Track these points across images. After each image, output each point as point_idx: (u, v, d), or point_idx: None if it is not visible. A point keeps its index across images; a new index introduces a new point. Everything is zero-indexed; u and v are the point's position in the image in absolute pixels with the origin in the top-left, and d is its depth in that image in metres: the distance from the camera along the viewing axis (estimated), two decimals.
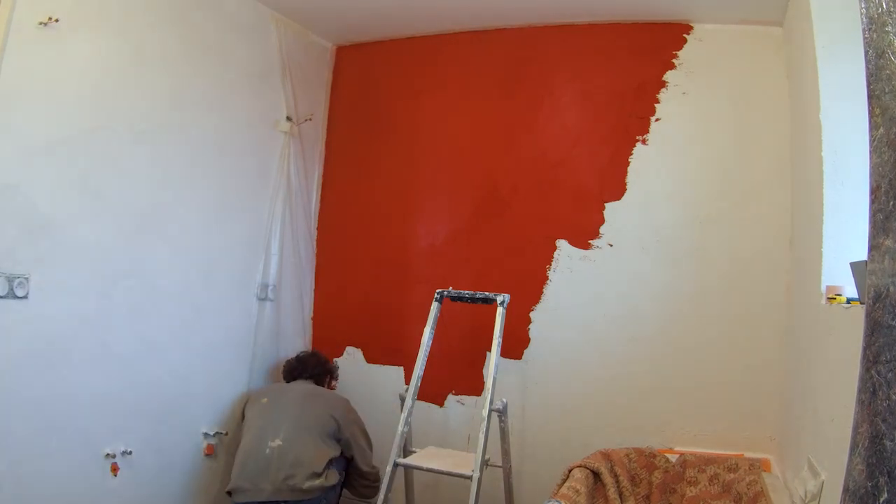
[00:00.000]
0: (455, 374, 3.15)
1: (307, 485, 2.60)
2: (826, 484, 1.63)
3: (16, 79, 2.05)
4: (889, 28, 0.83)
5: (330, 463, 2.72)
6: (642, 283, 2.90)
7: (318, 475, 2.65)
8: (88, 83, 2.30)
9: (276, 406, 2.84)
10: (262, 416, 2.81)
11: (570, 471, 2.37)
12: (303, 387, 2.99)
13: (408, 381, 2.70)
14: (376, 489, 2.94)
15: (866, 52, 0.87)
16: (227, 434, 2.94)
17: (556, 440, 2.95)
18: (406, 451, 2.69)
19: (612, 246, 2.97)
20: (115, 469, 2.41)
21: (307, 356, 3.17)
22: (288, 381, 3.08)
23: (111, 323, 2.42)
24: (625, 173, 2.97)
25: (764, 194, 2.76)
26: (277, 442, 2.68)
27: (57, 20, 2.13)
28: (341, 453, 2.82)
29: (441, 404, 3.19)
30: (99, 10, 2.31)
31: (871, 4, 0.86)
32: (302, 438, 2.71)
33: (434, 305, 2.73)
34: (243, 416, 2.91)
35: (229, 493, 2.67)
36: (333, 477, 2.72)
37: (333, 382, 3.23)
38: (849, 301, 1.72)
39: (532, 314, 3.06)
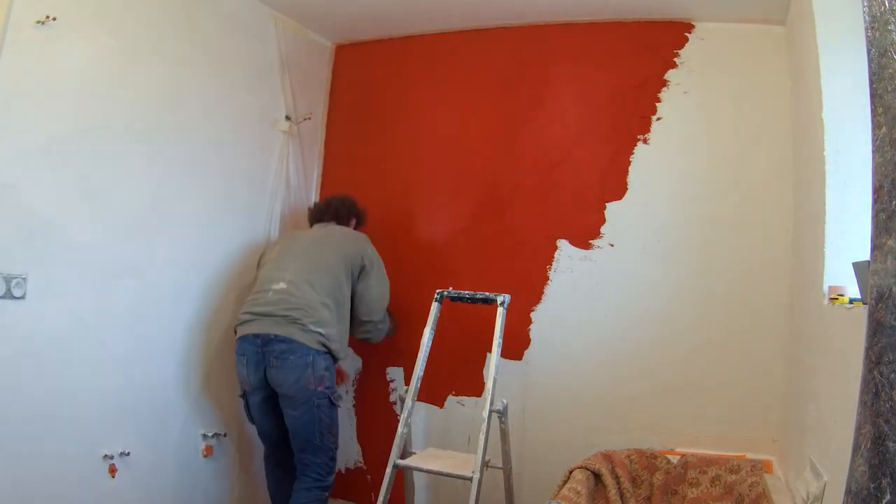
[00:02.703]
0: (455, 374, 3.14)
1: (312, 326, 2.62)
2: (828, 485, 1.62)
3: (13, 78, 2.05)
4: (892, 27, 0.82)
5: (330, 325, 2.69)
6: (643, 283, 2.88)
7: (322, 326, 2.64)
8: (86, 82, 2.29)
9: (286, 253, 2.85)
10: (270, 262, 2.83)
11: (570, 472, 2.36)
12: (318, 230, 2.98)
13: (407, 382, 2.69)
14: (382, 332, 3.00)
15: (869, 51, 0.86)
16: (225, 435, 2.94)
17: (556, 441, 2.93)
18: (406, 453, 2.68)
19: (613, 246, 2.96)
20: (112, 470, 2.41)
21: (332, 197, 3.12)
22: (311, 226, 3.08)
23: (109, 323, 2.41)
24: (626, 173, 2.96)
25: (766, 194, 2.74)
26: (281, 285, 2.69)
27: (55, 19, 2.12)
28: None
29: (441, 405, 3.18)
30: (97, 8, 2.31)
31: (874, 3, 0.85)
32: (306, 286, 2.69)
33: (434, 305, 2.73)
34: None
35: (235, 331, 2.73)
36: (335, 338, 2.69)
37: (358, 226, 3.15)
38: (851, 301, 1.71)
39: (533, 314, 3.05)
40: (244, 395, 2.73)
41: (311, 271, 2.74)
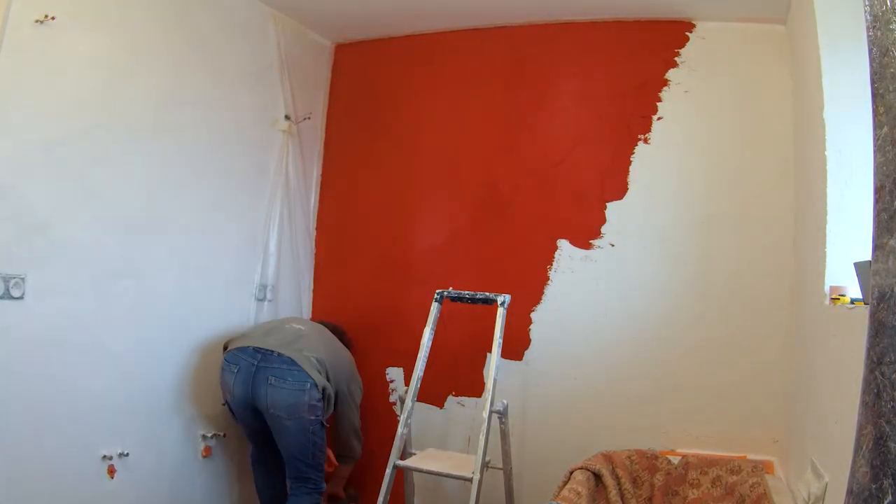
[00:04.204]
0: (455, 375, 3.14)
1: (315, 359, 2.65)
2: (829, 486, 1.62)
3: (12, 77, 2.04)
4: (893, 26, 0.82)
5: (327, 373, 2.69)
6: (644, 283, 2.88)
7: (324, 367, 2.67)
8: (85, 82, 2.29)
9: (295, 320, 2.98)
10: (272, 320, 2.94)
11: (571, 472, 2.36)
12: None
13: (407, 383, 2.69)
14: (353, 458, 3.01)
15: (870, 50, 0.86)
16: (225, 435, 2.93)
17: (556, 442, 2.93)
18: (406, 453, 2.67)
19: (613, 246, 2.95)
20: (111, 471, 2.40)
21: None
22: None
23: (108, 323, 2.41)
24: (626, 172, 2.95)
25: (767, 193, 2.74)
26: (299, 327, 2.79)
27: (53, 18, 2.12)
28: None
29: (441, 406, 3.18)
30: (96, 7, 2.30)
31: (875, 2, 0.84)
32: (321, 338, 2.82)
33: (434, 306, 2.72)
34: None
35: (225, 347, 2.74)
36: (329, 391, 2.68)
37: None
38: (853, 301, 1.70)
39: (533, 315, 3.04)
40: (227, 403, 2.72)
41: (327, 341, 2.86)
